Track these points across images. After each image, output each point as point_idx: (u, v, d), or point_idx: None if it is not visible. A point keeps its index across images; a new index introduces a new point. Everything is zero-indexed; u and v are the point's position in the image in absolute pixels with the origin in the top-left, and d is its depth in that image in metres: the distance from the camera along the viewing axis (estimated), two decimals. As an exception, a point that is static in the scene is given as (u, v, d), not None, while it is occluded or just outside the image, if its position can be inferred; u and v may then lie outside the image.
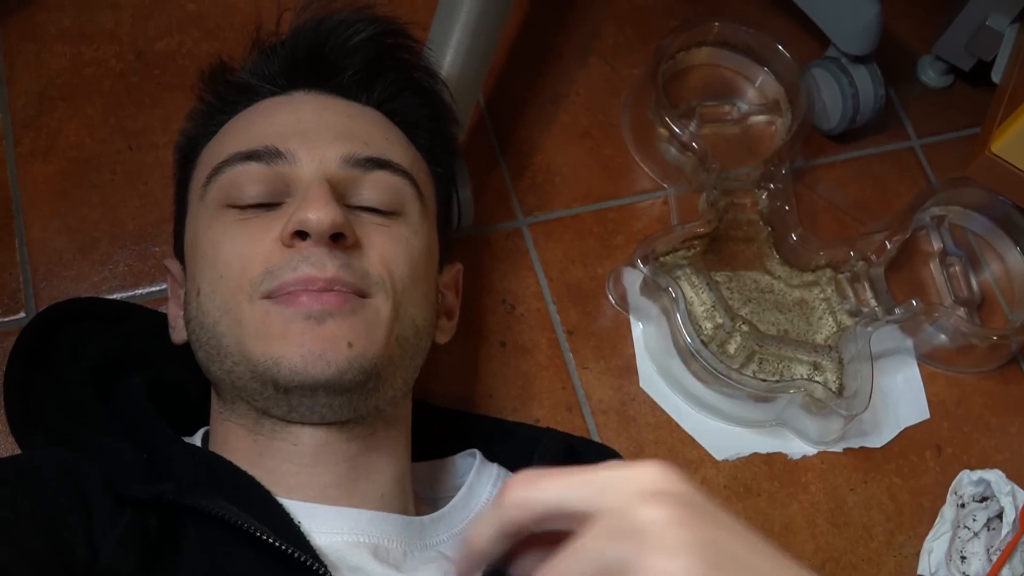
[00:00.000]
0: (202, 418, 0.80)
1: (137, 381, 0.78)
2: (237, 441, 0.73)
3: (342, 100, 0.79)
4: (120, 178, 1.02)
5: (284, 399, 0.69)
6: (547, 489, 0.43)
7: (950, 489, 1.05)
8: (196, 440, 0.78)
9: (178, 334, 0.79)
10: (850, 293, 1.08)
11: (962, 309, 1.10)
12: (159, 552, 0.63)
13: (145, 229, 1.00)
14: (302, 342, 0.67)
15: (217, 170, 0.74)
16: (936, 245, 1.14)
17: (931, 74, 1.23)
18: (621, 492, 0.42)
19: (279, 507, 0.67)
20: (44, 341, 0.82)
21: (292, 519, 0.66)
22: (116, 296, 0.98)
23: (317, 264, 0.68)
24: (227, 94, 0.81)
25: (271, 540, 0.62)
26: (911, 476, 1.05)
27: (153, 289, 0.99)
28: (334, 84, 0.80)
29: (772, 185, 1.08)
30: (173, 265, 0.82)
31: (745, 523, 0.43)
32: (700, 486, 0.42)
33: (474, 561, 0.46)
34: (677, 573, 0.39)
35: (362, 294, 0.70)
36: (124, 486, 0.66)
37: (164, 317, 0.83)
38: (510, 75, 1.14)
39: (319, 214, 0.68)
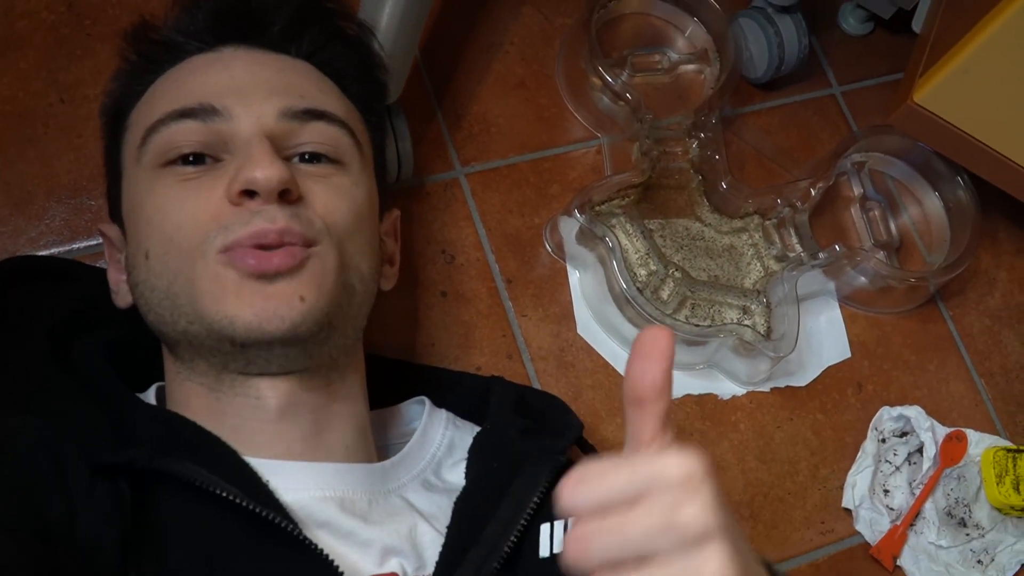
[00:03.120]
0: (152, 374, 0.80)
1: (94, 342, 0.78)
2: (199, 399, 0.73)
3: (272, 54, 0.79)
4: (53, 132, 1.00)
5: (241, 353, 0.69)
6: (600, 489, 0.46)
7: (871, 425, 1.10)
8: (150, 397, 0.78)
9: (122, 298, 0.79)
10: (776, 239, 1.12)
11: (882, 252, 1.14)
12: (135, 521, 0.64)
13: (80, 183, 1.00)
14: (253, 301, 0.68)
15: (152, 130, 0.73)
16: (857, 190, 1.18)
17: (852, 22, 1.27)
18: (667, 486, 0.46)
19: (247, 467, 0.68)
20: None
21: (260, 478, 0.67)
22: (54, 251, 0.97)
23: (268, 217, 0.69)
24: (152, 53, 0.80)
25: (241, 502, 0.64)
26: (834, 413, 1.10)
27: (91, 243, 0.98)
28: (262, 38, 0.79)
29: (703, 134, 1.11)
30: (110, 229, 0.80)
31: None
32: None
33: None
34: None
35: (308, 243, 0.70)
36: (96, 453, 0.66)
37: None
38: (445, 26, 1.14)
39: (266, 172, 0.68)
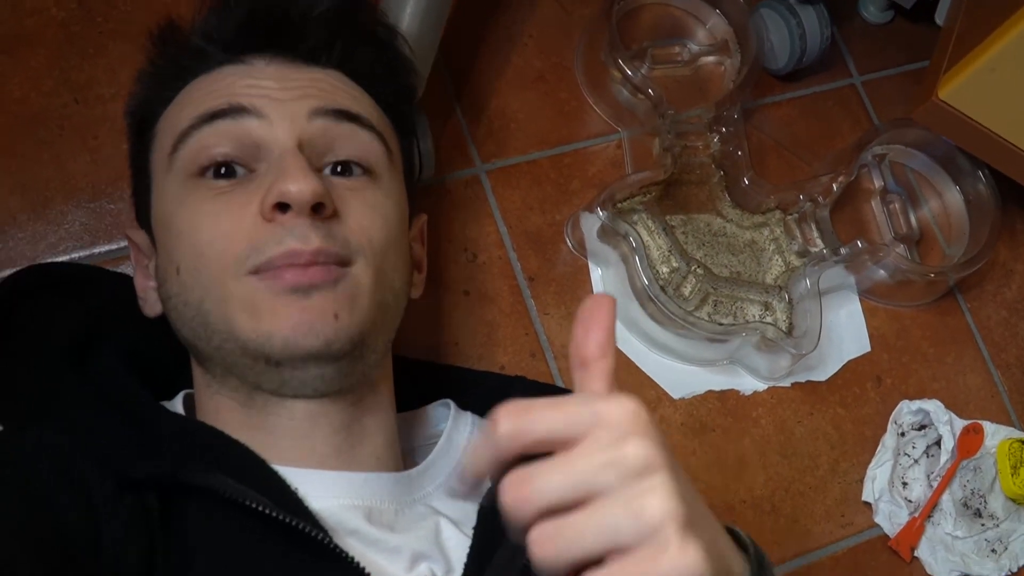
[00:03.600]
0: (177, 382, 0.79)
1: (114, 354, 0.77)
2: (229, 413, 0.73)
3: (303, 66, 0.77)
4: (68, 133, 0.99)
5: (275, 372, 0.69)
6: (538, 420, 0.48)
7: (890, 418, 1.11)
8: (177, 405, 0.77)
9: (151, 307, 0.78)
10: (798, 234, 1.11)
11: (902, 246, 1.14)
12: (163, 533, 0.64)
13: (99, 186, 0.98)
14: (290, 315, 0.67)
15: (182, 137, 0.72)
16: (877, 183, 1.18)
17: (872, 10, 1.25)
18: (608, 424, 0.47)
19: (275, 475, 0.68)
20: (6, 318, 0.80)
21: (289, 487, 0.67)
22: (74, 256, 0.96)
23: (301, 237, 0.68)
24: (180, 58, 0.78)
25: (270, 512, 0.63)
26: (854, 407, 1.11)
27: (112, 247, 0.97)
28: (293, 50, 0.78)
29: (724, 128, 1.10)
30: (137, 235, 0.79)
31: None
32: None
33: (472, 485, 0.50)
34: (656, 508, 0.46)
35: (343, 262, 0.70)
36: (120, 467, 0.65)
37: (131, 281, 0.81)
38: (462, 19, 1.12)
39: (299, 185, 0.67)
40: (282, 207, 0.69)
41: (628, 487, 0.46)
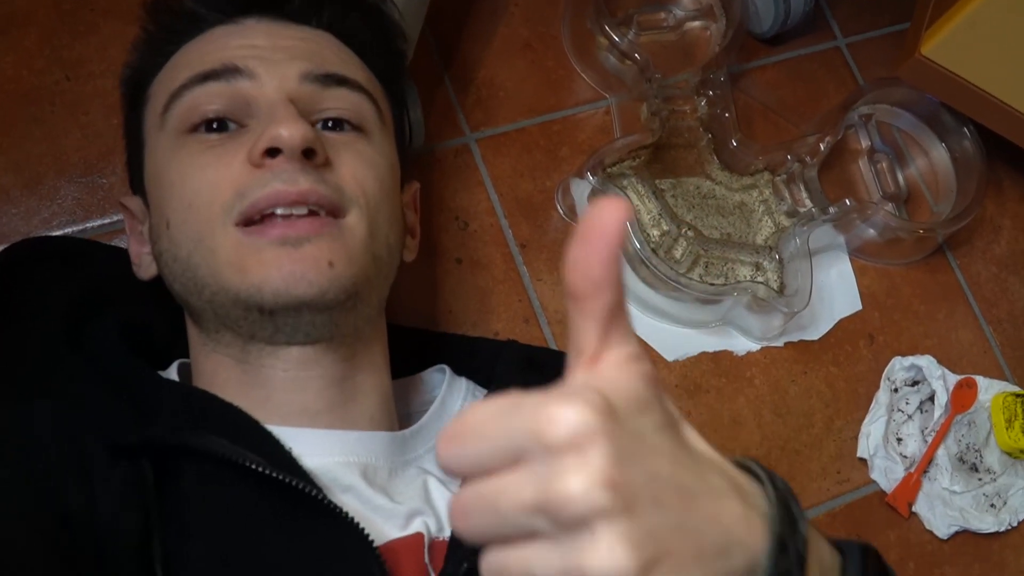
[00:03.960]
0: (172, 352, 0.80)
1: (109, 323, 0.78)
2: (226, 372, 0.73)
3: (293, 25, 0.79)
4: (60, 110, 0.99)
5: (269, 320, 0.69)
6: (474, 447, 0.40)
7: (883, 375, 1.12)
8: (172, 374, 0.78)
9: (145, 270, 0.79)
10: (786, 194, 1.12)
11: (890, 204, 1.15)
12: (159, 499, 0.64)
13: (90, 161, 0.99)
14: (280, 265, 0.67)
15: (175, 95, 0.73)
16: (864, 143, 1.19)
17: (855, -27, 1.26)
18: (544, 449, 0.39)
19: (269, 435, 0.68)
20: (3, 289, 0.81)
21: (283, 446, 0.67)
22: (68, 231, 0.97)
23: (288, 180, 0.68)
24: (173, 23, 0.79)
25: (265, 470, 0.64)
26: (847, 365, 1.11)
27: (104, 222, 0.98)
28: (283, 10, 0.79)
29: (711, 92, 1.11)
30: (131, 202, 0.80)
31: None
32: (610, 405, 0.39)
33: None
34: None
35: (337, 212, 0.70)
36: (115, 434, 0.66)
37: (124, 253, 0.82)
38: (448, -11, 1.13)
39: (290, 129, 0.68)
40: (272, 152, 0.69)
41: (565, 539, 0.38)
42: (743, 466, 0.47)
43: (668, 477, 0.40)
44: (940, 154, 1.20)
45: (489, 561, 0.41)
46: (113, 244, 0.89)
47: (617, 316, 0.42)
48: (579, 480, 0.37)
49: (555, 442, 0.38)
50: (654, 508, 0.39)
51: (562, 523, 0.38)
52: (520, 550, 0.39)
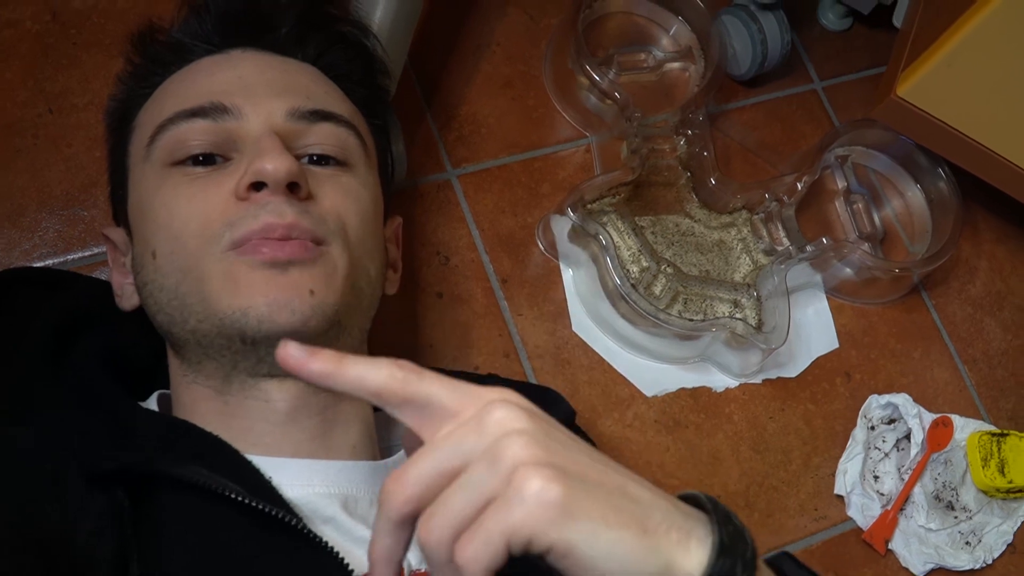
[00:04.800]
0: (152, 383, 0.80)
1: (91, 351, 0.78)
2: (205, 403, 0.73)
3: (279, 57, 0.80)
4: (43, 142, 1.00)
5: (251, 350, 0.69)
6: (411, 487, 0.49)
7: (860, 413, 1.12)
8: (152, 405, 0.77)
9: (127, 300, 0.79)
10: (764, 233, 1.13)
11: (866, 244, 1.16)
12: (137, 526, 0.64)
13: (72, 193, 0.99)
14: (267, 291, 0.68)
15: (161, 128, 0.74)
16: (840, 184, 1.21)
17: (831, 17, 1.28)
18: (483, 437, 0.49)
19: (248, 464, 0.68)
20: None
21: (263, 475, 0.67)
22: (49, 263, 0.96)
23: (276, 212, 0.69)
24: (159, 55, 0.80)
25: (244, 499, 0.64)
26: (824, 402, 1.12)
27: (85, 254, 0.98)
28: (269, 41, 0.80)
29: (690, 131, 1.12)
30: (114, 233, 0.80)
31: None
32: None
33: (391, 567, 0.51)
34: (512, 453, 0.48)
35: (319, 241, 0.71)
36: (94, 460, 0.65)
37: (105, 283, 0.82)
38: (432, 27, 1.14)
39: (275, 163, 0.69)
40: (257, 186, 0.70)
41: (489, 449, 0.48)
42: (689, 498, 0.54)
43: (586, 453, 0.51)
44: (915, 195, 1.22)
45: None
46: (95, 276, 0.88)
47: None
48: (516, 446, 0.48)
49: (493, 435, 0.48)
50: (585, 474, 0.49)
51: (505, 481, 0.47)
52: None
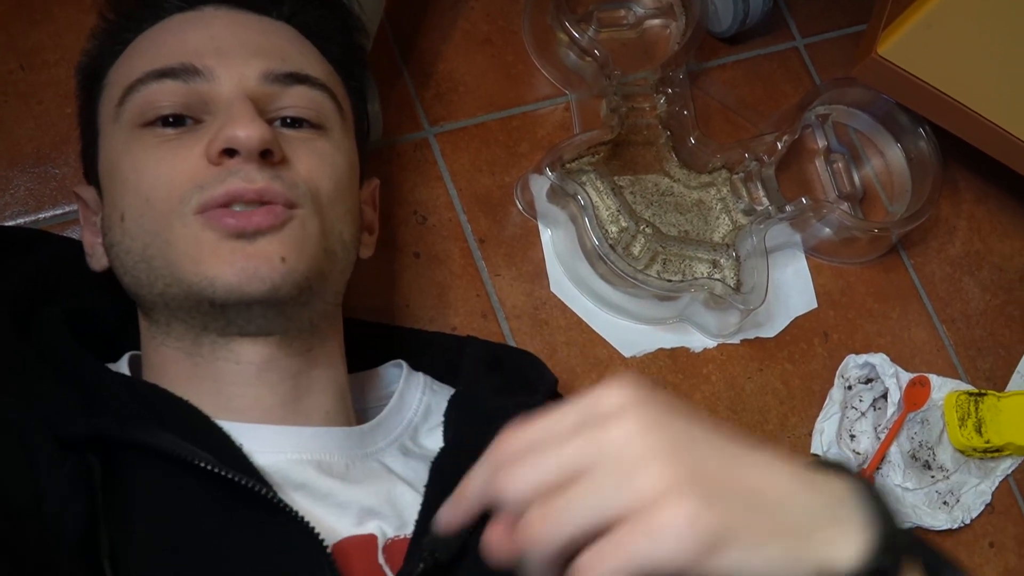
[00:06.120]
0: (123, 344, 0.79)
1: (55, 314, 0.76)
2: (175, 366, 0.72)
3: (253, 15, 0.78)
4: (13, 99, 0.98)
5: (220, 313, 0.69)
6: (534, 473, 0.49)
7: (837, 373, 1.12)
8: (123, 367, 0.77)
9: (97, 261, 0.78)
10: (744, 193, 1.13)
11: (846, 204, 1.16)
12: (107, 493, 0.63)
13: (43, 151, 0.97)
14: (234, 260, 0.67)
15: (131, 89, 0.72)
16: (821, 143, 1.20)
17: (814, -26, 1.27)
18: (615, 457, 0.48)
19: (219, 430, 0.67)
20: None
21: (233, 442, 0.67)
22: (20, 221, 0.95)
23: (246, 177, 0.68)
24: (132, 11, 0.78)
25: (213, 468, 0.63)
26: (801, 362, 1.12)
27: (57, 212, 0.96)
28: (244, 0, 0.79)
29: (670, 90, 1.11)
30: (85, 191, 0.79)
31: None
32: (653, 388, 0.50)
33: (468, 506, 0.53)
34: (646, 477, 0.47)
35: (291, 205, 0.70)
36: (61, 427, 0.64)
37: (75, 243, 0.81)
38: (409, -17, 1.13)
39: (248, 131, 0.68)
40: (229, 152, 0.69)
41: (615, 466, 0.47)
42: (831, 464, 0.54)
43: (710, 444, 0.50)
44: (895, 154, 1.21)
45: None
46: (66, 235, 0.87)
47: None
48: (650, 468, 0.46)
49: (602, 411, 0.49)
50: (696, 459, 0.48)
51: (635, 502, 0.46)
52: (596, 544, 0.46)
